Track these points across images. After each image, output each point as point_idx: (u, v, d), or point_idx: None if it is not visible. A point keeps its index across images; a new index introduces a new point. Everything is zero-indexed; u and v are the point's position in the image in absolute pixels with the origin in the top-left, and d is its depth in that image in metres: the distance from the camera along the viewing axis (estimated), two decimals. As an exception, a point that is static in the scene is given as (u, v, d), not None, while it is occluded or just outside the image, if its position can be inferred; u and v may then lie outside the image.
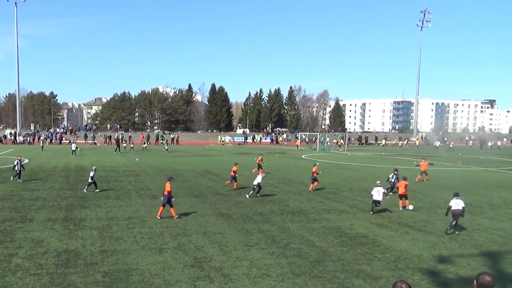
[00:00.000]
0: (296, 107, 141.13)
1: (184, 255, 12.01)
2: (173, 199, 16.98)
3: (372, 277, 10.59)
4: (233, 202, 20.27)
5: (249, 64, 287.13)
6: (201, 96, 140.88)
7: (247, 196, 21.73)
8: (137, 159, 42.61)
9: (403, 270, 11.18)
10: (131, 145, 58.26)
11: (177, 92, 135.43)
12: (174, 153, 53.81)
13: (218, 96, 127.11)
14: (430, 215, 18.25)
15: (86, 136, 77.60)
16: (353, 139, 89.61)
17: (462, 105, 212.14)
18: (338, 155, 55.04)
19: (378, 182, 19.50)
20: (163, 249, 12.51)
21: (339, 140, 71.54)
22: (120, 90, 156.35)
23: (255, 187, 21.71)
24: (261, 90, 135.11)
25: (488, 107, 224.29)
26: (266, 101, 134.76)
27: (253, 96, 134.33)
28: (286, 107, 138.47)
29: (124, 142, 62.32)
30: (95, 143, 70.58)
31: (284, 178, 29.61)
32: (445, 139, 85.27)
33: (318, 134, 77.37)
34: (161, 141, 63.01)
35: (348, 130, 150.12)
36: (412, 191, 24.54)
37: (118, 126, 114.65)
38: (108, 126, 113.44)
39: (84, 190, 22.82)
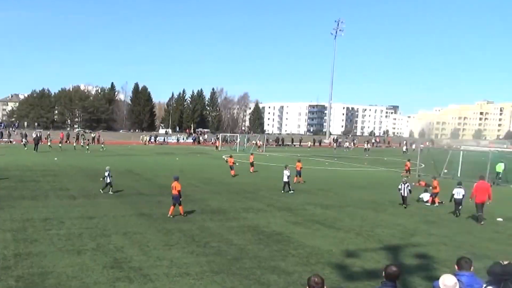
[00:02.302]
0: (217, 108, 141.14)
1: (104, 256, 11.58)
2: (181, 198, 16.90)
3: (286, 272, 10.79)
4: (154, 202, 19.85)
5: (173, 65, 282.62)
6: (123, 95, 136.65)
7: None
8: (55, 159, 40.53)
9: (314, 264, 11.49)
10: (49, 144, 55.56)
11: (99, 91, 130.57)
12: (95, 152, 51.78)
13: (141, 95, 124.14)
14: (339, 212, 18.87)
15: (1, 134, 72.61)
16: (271, 140, 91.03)
17: (370, 110, 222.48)
18: (257, 155, 55.62)
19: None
20: (81, 251, 11.98)
21: (258, 141, 72.46)
22: (39, 87, 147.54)
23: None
24: (184, 91, 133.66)
25: (392, 112, 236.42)
26: (189, 102, 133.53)
27: (176, 96, 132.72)
28: (208, 108, 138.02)
29: (49, 140, 58.96)
30: (10, 141, 66.28)
31: (205, 178, 29.45)
32: (355, 141, 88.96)
33: (238, 135, 77.86)
34: (81, 141, 60.79)
35: (267, 132, 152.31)
36: (324, 190, 25.45)
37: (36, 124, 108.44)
38: (25, 123, 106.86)
39: (101, 191, 21.88)
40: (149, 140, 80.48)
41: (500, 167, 32.60)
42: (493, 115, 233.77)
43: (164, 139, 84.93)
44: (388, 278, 5.61)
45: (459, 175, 33.29)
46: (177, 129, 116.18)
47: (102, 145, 60.37)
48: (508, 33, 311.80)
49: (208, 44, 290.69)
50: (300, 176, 28.28)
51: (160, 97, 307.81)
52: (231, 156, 33.62)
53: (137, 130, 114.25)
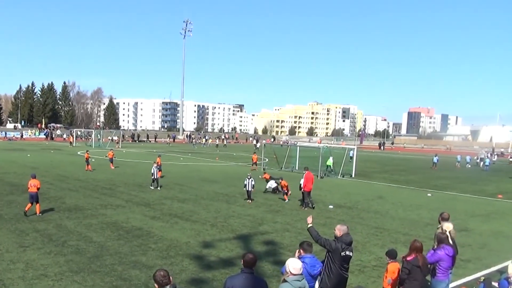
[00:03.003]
0: (70, 103, 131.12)
1: None
2: None
3: (147, 266, 10.56)
4: (5, 202, 17.80)
5: (20, 54, 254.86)
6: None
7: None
8: None
9: (174, 257, 11.40)
10: None
11: None
12: None
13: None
14: (195, 205, 18.99)
15: None
16: (127, 136, 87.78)
17: (219, 108, 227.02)
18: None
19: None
20: None
21: (116, 137, 69.14)
22: None
23: None
24: (33, 84, 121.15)
25: (238, 111, 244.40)
26: (39, 95, 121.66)
27: (24, 89, 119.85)
28: (60, 102, 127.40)
29: None
30: None
31: (60, 175, 27.24)
32: (206, 137, 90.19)
33: (93, 130, 73.46)
34: None
35: (122, 128, 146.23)
36: (180, 184, 25.37)
37: None
38: None
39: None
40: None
41: (330, 162, 35.88)
42: (322, 115, 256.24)
43: (5, 134, 76.00)
44: (246, 265, 5.84)
45: (297, 168, 35.89)
46: (23, 123, 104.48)
47: None
48: (336, 43, 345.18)
49: (57, 36, 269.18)
50: (160, 171, 27.87)
51: (6, 89, 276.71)
52: (87, 151, 31.94)
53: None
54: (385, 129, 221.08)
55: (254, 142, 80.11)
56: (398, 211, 19.83)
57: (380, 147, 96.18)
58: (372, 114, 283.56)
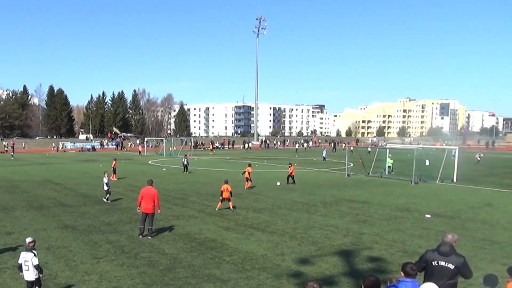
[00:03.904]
0: (140, 111, 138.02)
1: (25, 274, 11.09)
2: None
3: (221, 280, 10.86)
4: (78, 213, 19.20)
5: (90, 65, 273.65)
6: (38, 99, 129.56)
7: None
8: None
9: (250, 270, 11.62)
10: None
11: (11, 95, 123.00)
12: (9, 161, 49.08)
13: (57, 99, 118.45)
14: (272, 215, 19.19)
15: None
16: (205, 143, 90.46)
17: (296, 109, 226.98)
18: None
19: None
20: (1, 269, 11.40)
21: (210, 144, 71.19)
22: None
23: None
24: (103, 93, 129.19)
25: (318, 112, 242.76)
26: (109, 105, 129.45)
27: (95, 99, 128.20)
28: (131, 111, 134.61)
29: None
30: None
31: (131, 185, 28.81)
32: (286, 141, 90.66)
33: (164, 139, 76.59)
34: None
35: (193, 135, 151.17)
36: (255, 193, 25.76)
37: None
38: None
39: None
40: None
41: (390, 162, 35.31)
42: (416, 112, 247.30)
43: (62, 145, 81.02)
44: None
45: (386, 173, 34.96)
46: (90, 134, 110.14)
47: (12, 154, 57.45)
48: (428, 32, 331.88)
49: (126, 44, 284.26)
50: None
51: (78, 100, 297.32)
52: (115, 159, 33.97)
53: (55, 137, 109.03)
54: (493, 125, 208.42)
55: (297, 146, 79.57)
56: (511, 221, 18.69)
57: (487, 147, 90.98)
58: (477, 109, 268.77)
